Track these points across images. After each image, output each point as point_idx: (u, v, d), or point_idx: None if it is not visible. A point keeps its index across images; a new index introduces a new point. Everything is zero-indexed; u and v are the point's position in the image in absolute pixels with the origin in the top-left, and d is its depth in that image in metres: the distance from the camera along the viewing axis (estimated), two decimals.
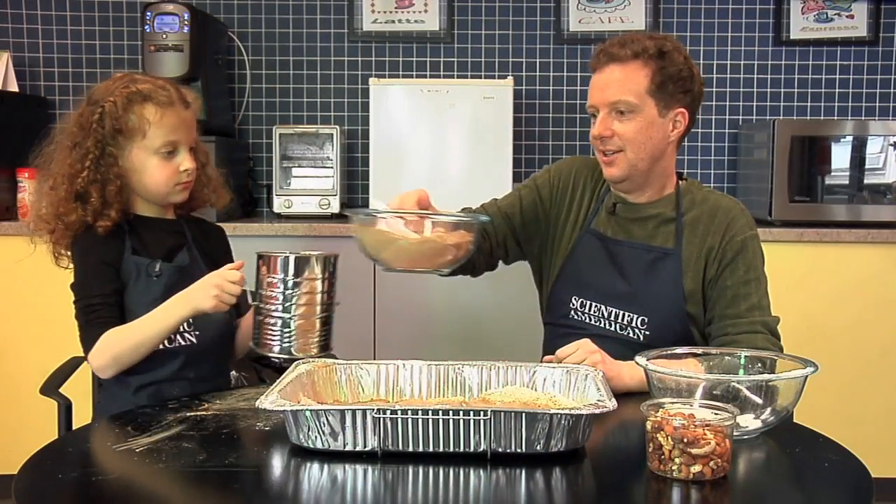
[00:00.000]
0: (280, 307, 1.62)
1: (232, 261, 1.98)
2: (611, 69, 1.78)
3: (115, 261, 1.76)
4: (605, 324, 1.84)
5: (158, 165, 1.77)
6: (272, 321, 1.62)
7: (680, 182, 1.90)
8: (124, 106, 1.74)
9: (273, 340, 1.61)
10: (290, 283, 1.62)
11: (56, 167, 1.78)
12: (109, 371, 1.73)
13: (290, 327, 1.63)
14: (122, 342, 1.69)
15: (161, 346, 1.72)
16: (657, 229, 1.85)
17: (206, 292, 1.66)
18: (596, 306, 1.85)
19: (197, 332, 1.78)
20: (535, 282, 2.03)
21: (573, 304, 1.87)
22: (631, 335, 1.81)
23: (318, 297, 1.64)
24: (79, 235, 1.77)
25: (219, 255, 1.95)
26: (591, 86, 1.83)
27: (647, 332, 1.80)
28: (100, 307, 1.73)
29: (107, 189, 1.75)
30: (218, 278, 1.68)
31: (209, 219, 2.05)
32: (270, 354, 1.57)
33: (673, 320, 1.80)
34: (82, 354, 1.76)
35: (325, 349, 1.65)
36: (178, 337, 1.77)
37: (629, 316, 1.81)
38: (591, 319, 1.86)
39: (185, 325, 1.76)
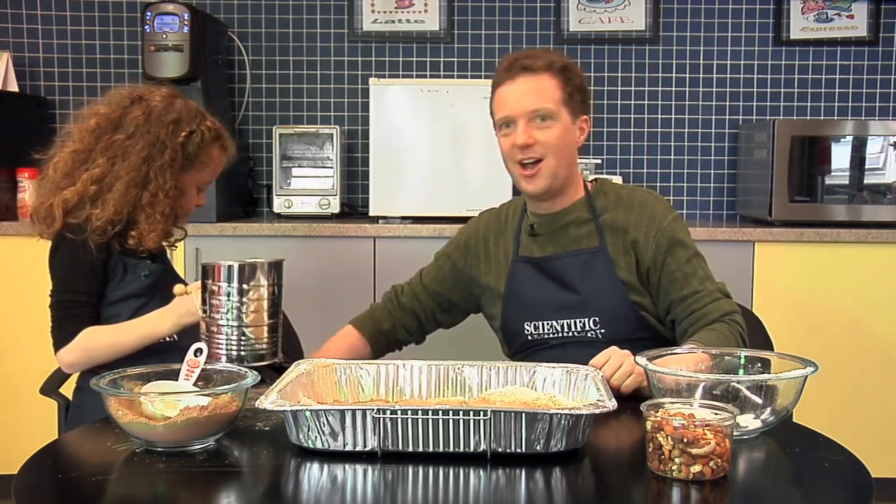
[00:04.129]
0: (226, 316, 1.59)
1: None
2: (525, 80, 1.81)
3: (106, 259, 1.80)
4: (562, 335, 1.87)
5: (193, 198, 1.88)
6: (219, 330, 1.60)
7: (589, 185, 1.94)
8: (212, 138, 1.84)
9: (220, 350, 1.59)
10: (234, 292, 1.59)
11: (117, 169, 1.79)
12: (77, 367, 1.78)
13: (237, 336, 1.60)
14: (100, 340, 1.74)
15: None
16: (578, 231, 1.89)
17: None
18: (548, 324, 1.88)
19: (176, 335, 1.78)
20: (492, 328, 2.04)
21: (527, 330, 1.90)
22: (590, 335, 1.85)
23: (265, 303, 1.61)
24: (72, 228, 1.78)
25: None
26: (501, 97, 1.83)
27: (603, 330, 1.84)
28: (83, 305, 1.77)
29: (157, 208, 1.79)
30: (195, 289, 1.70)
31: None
32: (219, 364, 1.55)
33: (622, 311, 1.84)
34: None
35: (275, 356, 1.64)
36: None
37: (581, 321, 1.85)
38: (548, 336, 1.88)
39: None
